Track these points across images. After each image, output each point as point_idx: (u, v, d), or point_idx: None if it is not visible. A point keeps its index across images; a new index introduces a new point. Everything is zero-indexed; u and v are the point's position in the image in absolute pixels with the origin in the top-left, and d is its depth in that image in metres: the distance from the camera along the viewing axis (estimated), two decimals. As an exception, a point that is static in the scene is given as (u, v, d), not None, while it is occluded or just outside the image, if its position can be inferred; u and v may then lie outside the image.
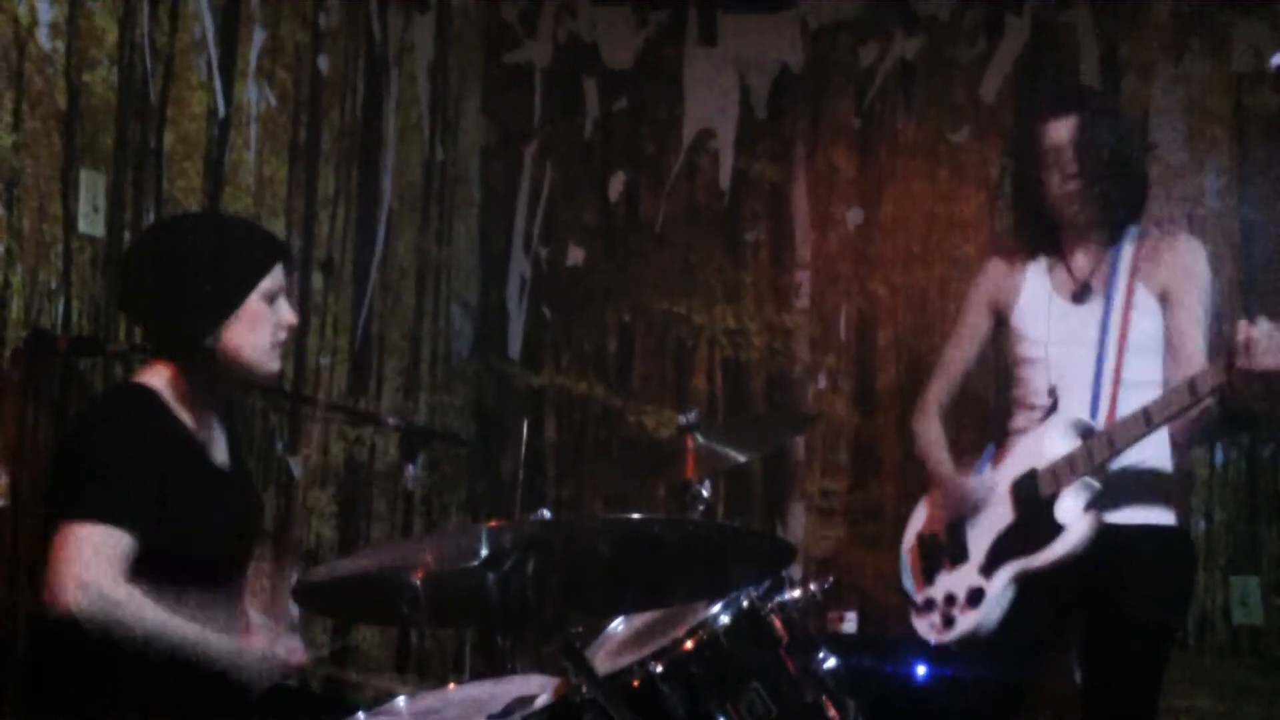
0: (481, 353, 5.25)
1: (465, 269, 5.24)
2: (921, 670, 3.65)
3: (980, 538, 3.49)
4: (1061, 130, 3.43)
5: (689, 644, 2.48)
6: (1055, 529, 3.34)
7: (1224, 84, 4.68)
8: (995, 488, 3.51)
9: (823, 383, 5.01)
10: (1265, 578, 4.51)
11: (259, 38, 4.13)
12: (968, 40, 4.94)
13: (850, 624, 4.33)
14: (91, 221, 3.48)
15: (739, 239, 5.14)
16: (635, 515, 2.24)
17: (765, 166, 5.13)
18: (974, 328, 3.73)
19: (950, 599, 3.49)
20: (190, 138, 3.84)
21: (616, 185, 5.27)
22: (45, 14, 3.33)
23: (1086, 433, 3.36)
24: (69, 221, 3.40)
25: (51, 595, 2.52)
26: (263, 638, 2.73)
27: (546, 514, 2.13)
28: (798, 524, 4.96)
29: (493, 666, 3.76)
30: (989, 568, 3.44)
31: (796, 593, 2.92)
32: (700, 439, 3.62)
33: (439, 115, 5.08)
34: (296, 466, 4.31)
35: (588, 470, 5.16)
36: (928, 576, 3.58)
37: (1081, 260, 3.52)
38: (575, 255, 5.29)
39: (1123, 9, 4.78)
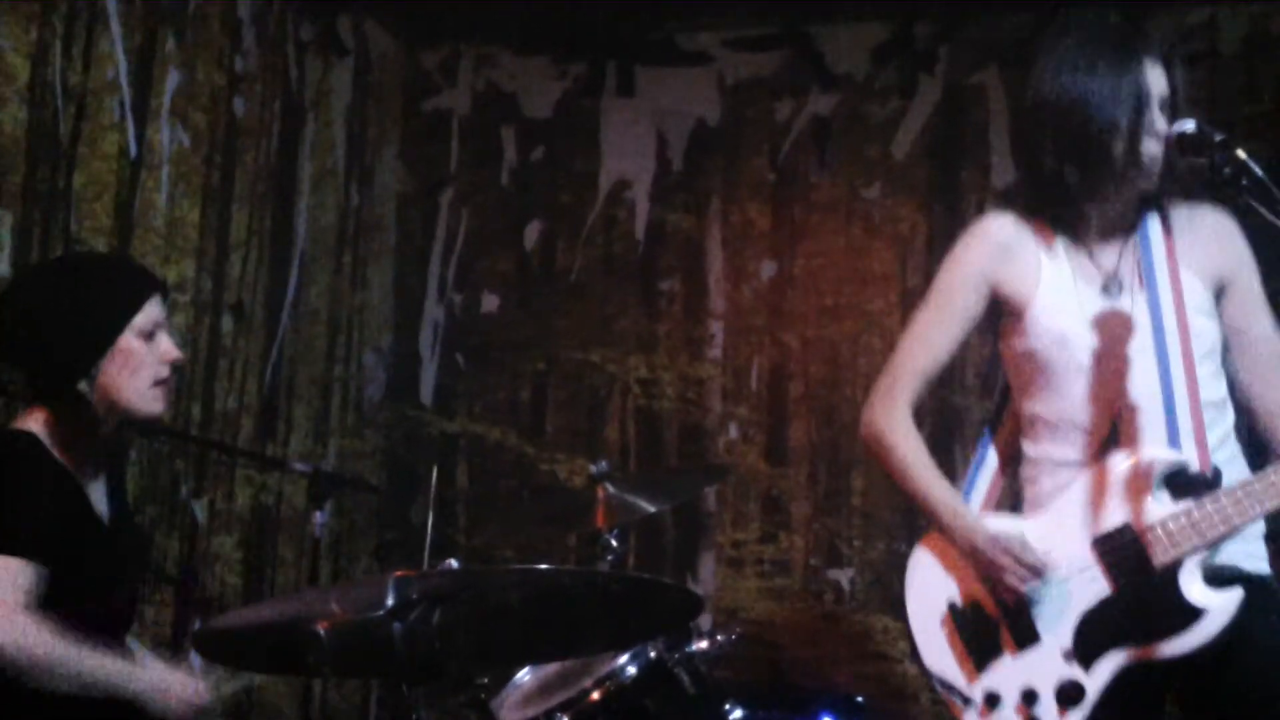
0: (393, 399, 5.22)
1: (379, 315, 5.21)
2: (829, 722, 3.63)
3: (1056, 612, 2.59)
4: (1159, 78, 2.60)
5: (596, 695, 2.48)
6: (1188, 611, 2.49)
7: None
8: (1058, 546, 2.60)
9: (734, 433, 5.03)
10: None
11: (174, 79, 4.11)
12: (881, 99, 5.02)
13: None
14: (-4, 260, 3.43)
15: (654, 289, 5.16)
16: (544, 566, 2.24)
17: (681, 218, 5.17)
18: (963, 309, 2.73)
19: (1030, 697, 2.58)
20: (100, 178, 3.80)
21: (532, 234, 5.28)
22: (-46, 50, 3.30)
23: (1200, 484, 2.54)
24: (-27, 260, 3.36)
25: None
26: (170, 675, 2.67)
27: (454, 564, 2.12)
28: (708, 574, 4.96)
29: (398, 718, 3.71)
30: (1085, 654, 2.56)
31: (704, 644, 2.92)
32: (611, 489, 3.62)
33: (355, 161, 5.07)
34: (201, 512, 4.24)
35: (499, 519, 5.14)
36: (979, 663, 2.65)
37: (1101, 244, 2.68)
38: (490, 303, 5.28)
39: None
